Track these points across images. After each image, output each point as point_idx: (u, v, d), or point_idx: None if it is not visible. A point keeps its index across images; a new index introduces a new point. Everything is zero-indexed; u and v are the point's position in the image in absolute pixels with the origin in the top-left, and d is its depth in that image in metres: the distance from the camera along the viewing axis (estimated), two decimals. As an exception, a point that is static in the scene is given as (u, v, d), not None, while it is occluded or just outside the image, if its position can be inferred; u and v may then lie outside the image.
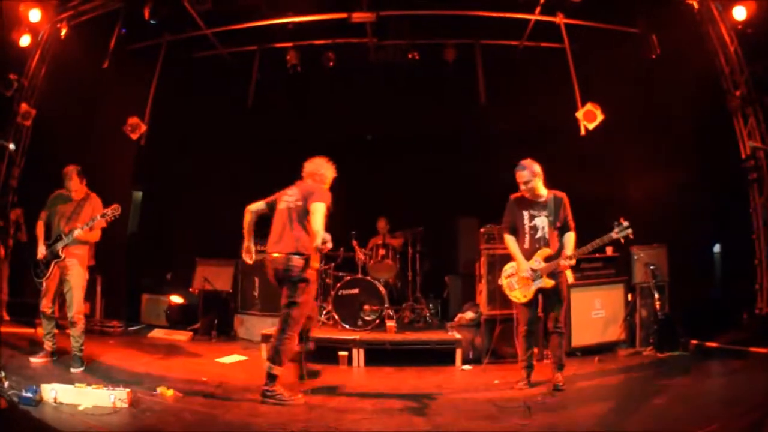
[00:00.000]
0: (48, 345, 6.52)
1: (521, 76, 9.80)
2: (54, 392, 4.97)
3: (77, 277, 6.48)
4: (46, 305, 6.49)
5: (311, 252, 5.63)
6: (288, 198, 5.91)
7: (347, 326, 8.11)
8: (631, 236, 5.67)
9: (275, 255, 5.72)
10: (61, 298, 6.59)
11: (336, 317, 8.28)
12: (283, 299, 5.66)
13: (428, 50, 9.94)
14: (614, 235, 5.70)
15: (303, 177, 6.10)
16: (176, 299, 9.68)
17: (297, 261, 5.59)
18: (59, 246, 6.38)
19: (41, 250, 6.47)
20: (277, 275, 5.73)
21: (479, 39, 9.96)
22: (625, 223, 5.69)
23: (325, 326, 8.44)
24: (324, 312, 8.63)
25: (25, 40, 8.32)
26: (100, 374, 6.15)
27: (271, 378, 5.48)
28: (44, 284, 6.47)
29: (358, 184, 10.42)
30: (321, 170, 6.06)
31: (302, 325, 5.88)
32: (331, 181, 6.12)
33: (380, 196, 10.52)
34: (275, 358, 5.52)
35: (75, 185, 6.60)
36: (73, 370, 6.23)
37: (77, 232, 6.33)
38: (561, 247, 5.95)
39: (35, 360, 6.39)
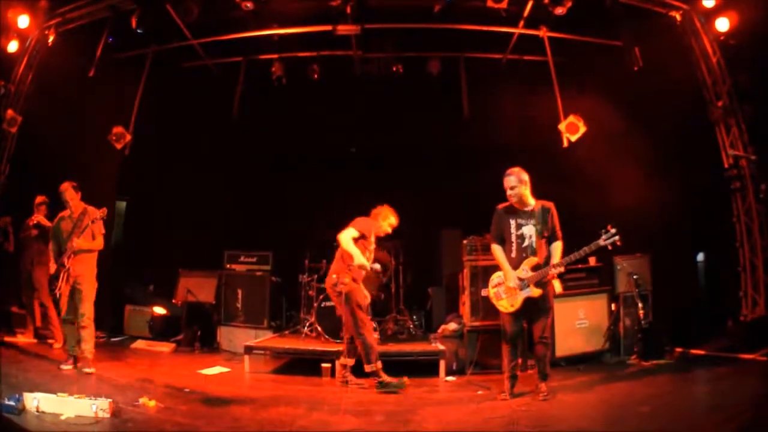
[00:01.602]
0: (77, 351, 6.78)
1: (505, 89, 9.88)
2: (36, 401, 4.94)
3: (88, 286, 6.88)
4: (64, 311, 6.90)
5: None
6: None
7: (330, 338, 8.06)
8: (619, 243, 5.67)
9: None
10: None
11: (319, 329, 8.23)
12: None
13: (413, 63, 9.96)
14: (602, 242, 5.69)
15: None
16: (159, 310, 9.57)
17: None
18: (64, 257, 6.82)
19: (52, 268, 6.93)
20: None
21: (463, 52, 10.03)
22: (613, 230, 5.67)
23: (308, 338, 8.39)
24: (307, 324, 8.59)
25: (12, 46, 8.32)
26: (82, 384, 6.11)
27: (375, 374, 6.50)
28: (58, 293, 6.86)
29: (340, 196, 10.44)
30: (379, 209, 7.11)
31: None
32: (387, 223, 7.09)
33: (363, 207, 10.51)
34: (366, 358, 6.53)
35: (71, 196, 6.98)
36: (63, 367, 6.62)
37: (76, 242, 6.77)
38: (549, 257, 5.93)
39: (65, 367, 6.71)
